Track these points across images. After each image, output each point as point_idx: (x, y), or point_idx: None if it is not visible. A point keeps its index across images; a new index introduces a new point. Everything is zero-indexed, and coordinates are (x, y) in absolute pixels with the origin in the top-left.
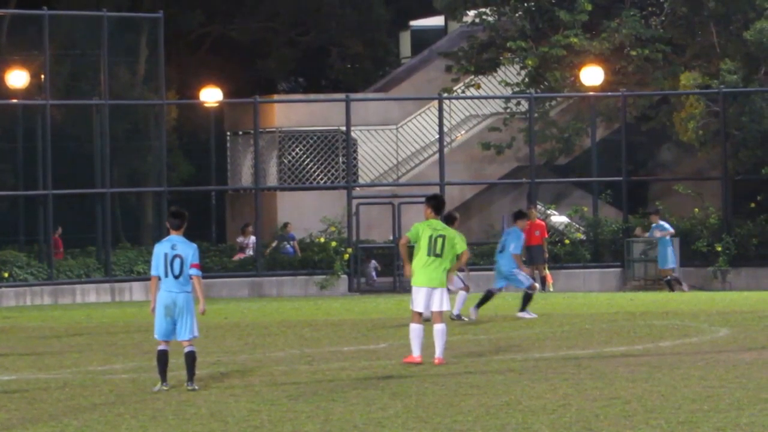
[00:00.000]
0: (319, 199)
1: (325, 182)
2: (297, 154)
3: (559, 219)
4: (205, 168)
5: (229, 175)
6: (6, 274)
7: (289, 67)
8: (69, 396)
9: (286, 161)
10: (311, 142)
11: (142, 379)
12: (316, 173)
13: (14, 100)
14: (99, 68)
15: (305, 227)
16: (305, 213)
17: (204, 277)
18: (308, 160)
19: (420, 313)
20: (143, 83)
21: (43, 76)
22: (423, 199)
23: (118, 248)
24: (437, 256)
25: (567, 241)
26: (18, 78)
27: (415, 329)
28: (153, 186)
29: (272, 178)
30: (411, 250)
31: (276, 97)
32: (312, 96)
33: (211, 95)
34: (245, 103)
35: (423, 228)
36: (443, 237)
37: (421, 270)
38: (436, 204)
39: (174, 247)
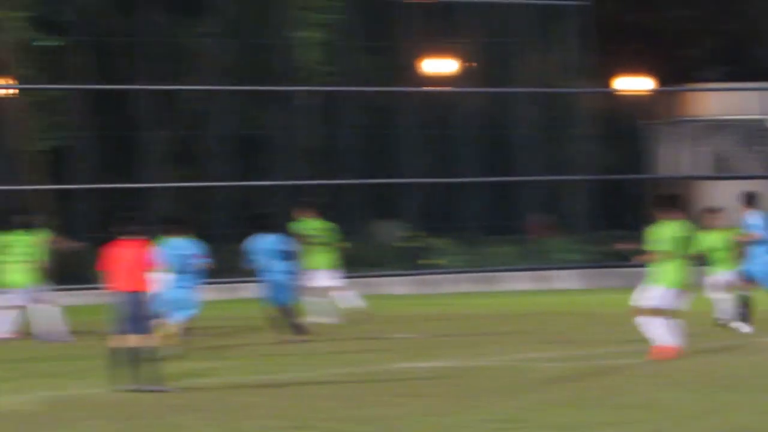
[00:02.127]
0: (740, 189)
1: (748, 172)
2: (718, 143)
3: None
4: (625, 157)
5: (649, 164)
6: (440, 261)
7: (712, 55)
8: (495, 382)
9: (706, 151)
10: (733, 131)
11: (569, 368)
12: (738, 163)
13: (437, 88)
14: (522, 56)
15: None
16: (725, 204)
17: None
18: (729, 149)
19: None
20: (565, 71)
21: (466, 64)
22: None
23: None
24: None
25: None
26: (441, 65)
27: None
28: (575, 174)
29: (691, 168)
30: None
31: (697, 85)
32: (734, 84)
33: (633, 83)
34: (666, 91)
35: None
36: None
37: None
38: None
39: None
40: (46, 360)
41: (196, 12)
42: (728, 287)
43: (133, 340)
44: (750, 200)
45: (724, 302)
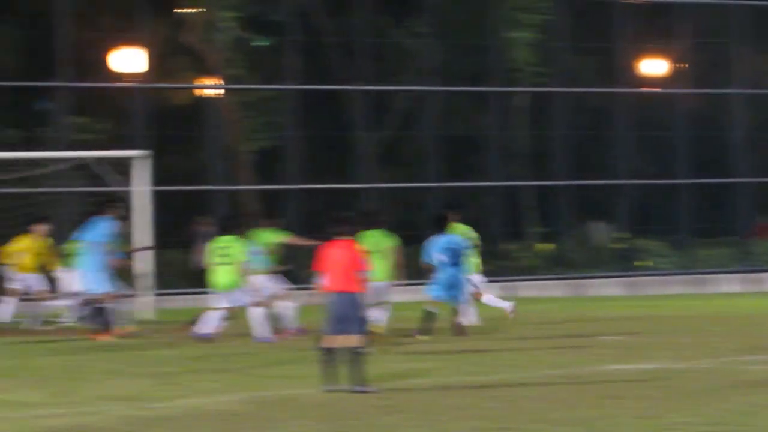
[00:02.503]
0: None
1: None
2: None
3: None
4: None
5: None
6: (650, 263)
7: None
8: (703, 384)
9: None
10: None
11: None
12: None
13: (650, 89)
14: (736, 57)
15: None
16: None
17: None
18: None
19: None
20: None
21: (680, 65)
22: None
23: None
24: None
25: None
26: (654, 66)
27: None
28: None
29: None
30: None
31: None
32: None
33: None
34: None
35: None
36: None
37: None
38: None
39: None
40: (253, 359)
41: (407, 12)
42: None
43: (343, 341)
44: None
45: None
